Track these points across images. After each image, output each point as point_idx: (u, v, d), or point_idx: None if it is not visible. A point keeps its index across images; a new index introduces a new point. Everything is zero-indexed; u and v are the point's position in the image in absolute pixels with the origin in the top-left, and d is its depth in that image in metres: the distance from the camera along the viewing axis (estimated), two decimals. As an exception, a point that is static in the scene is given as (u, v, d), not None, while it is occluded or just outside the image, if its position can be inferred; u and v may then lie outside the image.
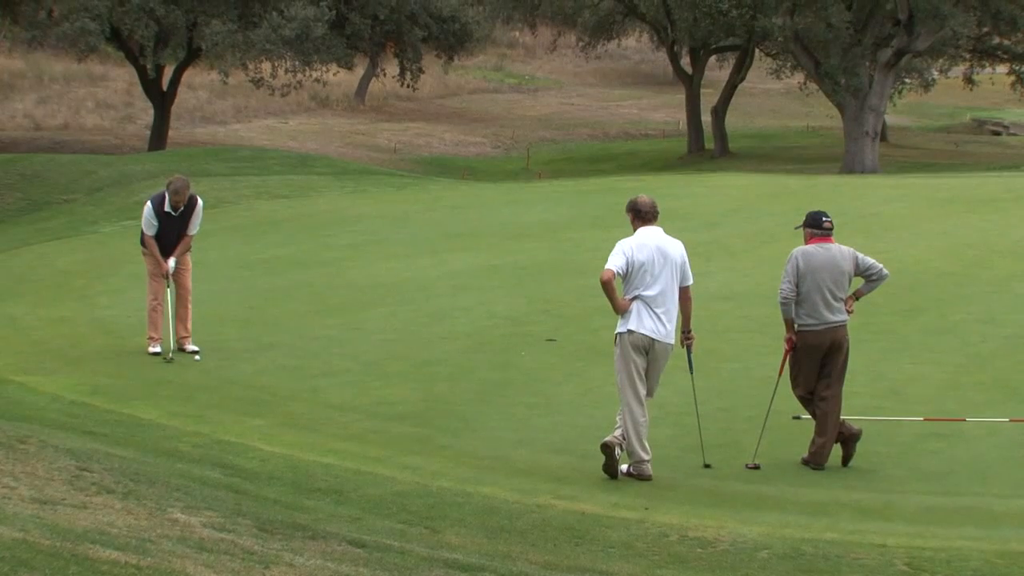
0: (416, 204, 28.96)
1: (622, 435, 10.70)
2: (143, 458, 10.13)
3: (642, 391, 10.79)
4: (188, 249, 15.35)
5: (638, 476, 10.69)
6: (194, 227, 15.30)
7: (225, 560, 6.49)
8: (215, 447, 11.16)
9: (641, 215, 11.02)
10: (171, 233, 15.17)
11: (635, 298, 10.78)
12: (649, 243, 10.84)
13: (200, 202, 15.32)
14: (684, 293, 10.98)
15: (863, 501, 10.14)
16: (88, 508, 7.38)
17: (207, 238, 24.14)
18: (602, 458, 10.66)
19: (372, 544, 7.80)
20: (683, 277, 10.94)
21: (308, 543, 7.44)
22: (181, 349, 14.98)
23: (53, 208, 29.45)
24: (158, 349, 14.89)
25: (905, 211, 25.05)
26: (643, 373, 10.81)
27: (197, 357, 14.74)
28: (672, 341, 10.90)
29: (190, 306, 15.18)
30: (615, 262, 10.76)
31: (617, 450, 10.65)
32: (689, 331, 11.20)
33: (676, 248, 10.93)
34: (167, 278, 15.16)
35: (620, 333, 10.85)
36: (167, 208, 15.06)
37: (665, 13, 55.07)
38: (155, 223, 15.09)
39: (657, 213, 11.07)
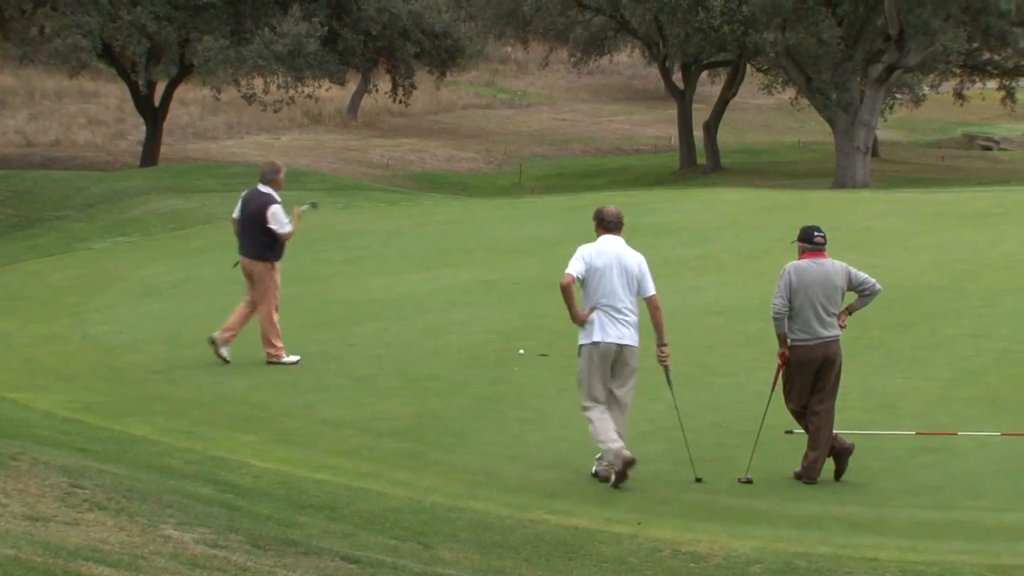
0: (409, 220, 28.97)
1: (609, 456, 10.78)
2: (135, 474, 10.11)
3: (603, 396, 10.92)
4: None
5: (605, 477, 10.84)
6: None
7: (218, 576, 6.49)
8: (208, 463, 11.15)
9: (604, 223, 11.21)
10: None
11: (594, 308, 10.90)
12: (608, 251, 11.03)
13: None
14: (651, 303, 11.13)
15: (855, 515, 10.16)
16: (80, 525, 7.37)
17: (200, 254, 24.20)
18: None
19: (365, 560, 7.80)
20: (643, 288, 11.08)
21: (301, 559, 7.44)
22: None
23: (45, 224, 29.44)
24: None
25: (896, 226, 25.10)
26: (607, 380, 10.94)
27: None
28: (636, 342, 11.04)
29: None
30: (575, 267, 10.93)
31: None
32: (664, 345, 11.24)
33: (634, 258, 11.10)
34: None
35: (585, 345, 10.98)
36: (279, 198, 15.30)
37: (657, 29, 55.19)
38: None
39: (621, 224, 11.24)
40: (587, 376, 10.99)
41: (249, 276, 15.23)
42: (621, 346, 10.91)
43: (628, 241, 11.22)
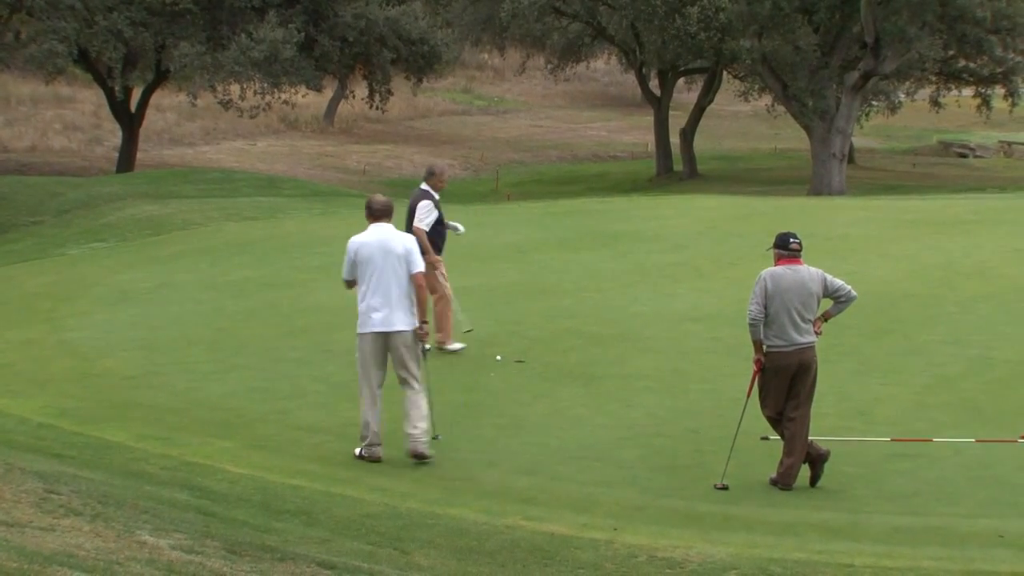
0: (385, 226, 28.87)
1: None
2: (111, 480, 10.10)
3: (376, 382, 11.53)
4: None
5: (370, 459, 11.47)
6: None
7: (193, 582, 6.48)
8: (183, 469, 11.14)
9: (372, 212, 11.91)
10: (442, 216, 15.79)
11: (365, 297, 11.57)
12: (372, 240, 11.64)
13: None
14: (415, 280, 11.63)
15: (831, 521, 10.18)
16: (56, 530, 7.35)
17: (176, 260, 24.15)
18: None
19: (341, 566, 7.79)
20: (409, 265, 11.57)
21: (277, 565, 7.43)
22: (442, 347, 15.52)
23: (20, 230, 29.35)
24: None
25: (872, 233, 25.19)
26: (382, 365, 11.55)
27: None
28: (407, 327, 11.54)
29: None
30: (345, 272, 11.71)
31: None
32: (424, 323, 11.73)
33: (399, 240, 11.67)
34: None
35: (359, 334, 11.61)
36: (436, 196, 15.65)
37: (633, 36, 55.28)
38: (437, 212, 15.57)
39: (389, 212, 11.86)
40: (361, 365, 11.61)
41: None
42: (387, 333, 11.47)
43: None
